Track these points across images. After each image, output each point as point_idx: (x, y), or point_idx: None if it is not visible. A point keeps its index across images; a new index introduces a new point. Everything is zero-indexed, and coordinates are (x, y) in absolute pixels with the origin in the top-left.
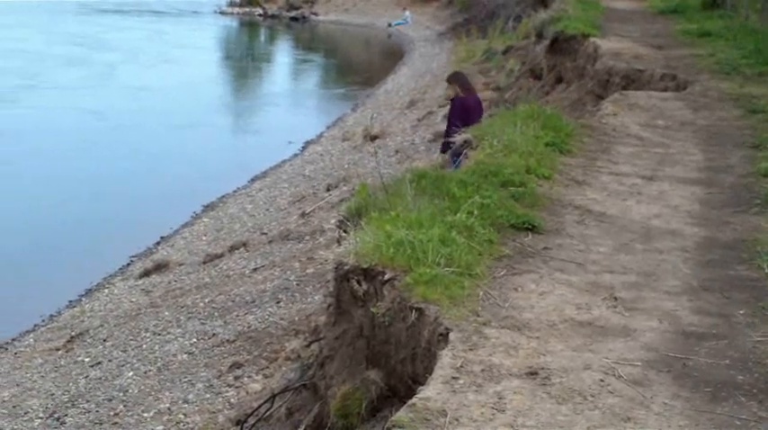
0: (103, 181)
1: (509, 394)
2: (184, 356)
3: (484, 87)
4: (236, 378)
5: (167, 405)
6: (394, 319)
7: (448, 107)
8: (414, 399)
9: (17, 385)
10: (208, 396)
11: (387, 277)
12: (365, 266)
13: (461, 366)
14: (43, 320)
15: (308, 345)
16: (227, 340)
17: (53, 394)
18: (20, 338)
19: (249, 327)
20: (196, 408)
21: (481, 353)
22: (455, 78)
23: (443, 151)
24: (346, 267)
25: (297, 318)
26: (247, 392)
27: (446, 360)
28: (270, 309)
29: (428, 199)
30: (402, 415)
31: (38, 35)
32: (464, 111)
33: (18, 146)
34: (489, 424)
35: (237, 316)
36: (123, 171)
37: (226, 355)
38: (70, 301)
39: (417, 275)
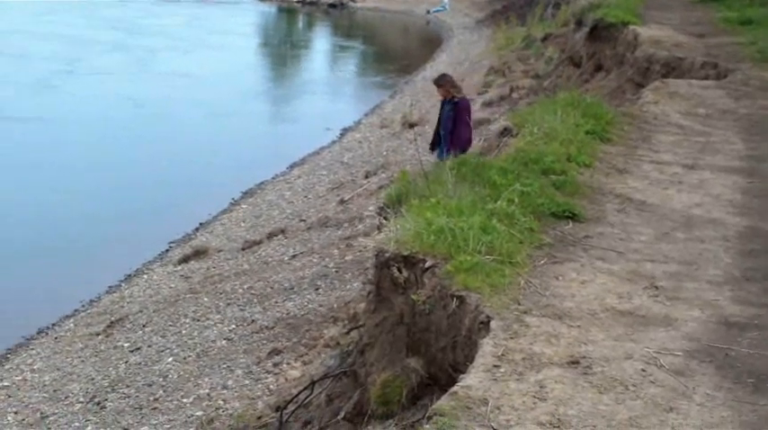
0: (142, 168)
1: (550, 383)
2: (223, 342)
3: (522, 75)
4: (275, 364)
5: (206, 390)
6: (434, 307)
7: (451, 106)
8: (455, 388)
9: (58, 369)
10: (247, 382)
11: (427, 265)
12: (406, 254)
13: (503, 355)
14: (83, 306)
15: (348, 333)
16: (266, 326)
17: (93, 379)
18: (60, 323)
19: (288, 314)
20: (235, 394)
21: (522, 342)
22: (445, 80)
23: (432, 149)
24: (387, 254)
25: (335, 305)
26: (286, 379)
27: (487, 348)
28: (309, 296)
29: (468, 186)
30: (443, 403)
31: (78, 19)
32: (469, 110)
33: (57, 133)
34: (531, 413)
35: (276, 302)
36: (162, 158)
37: (265, 342)
38: (110, 287)
39: (458, 263)
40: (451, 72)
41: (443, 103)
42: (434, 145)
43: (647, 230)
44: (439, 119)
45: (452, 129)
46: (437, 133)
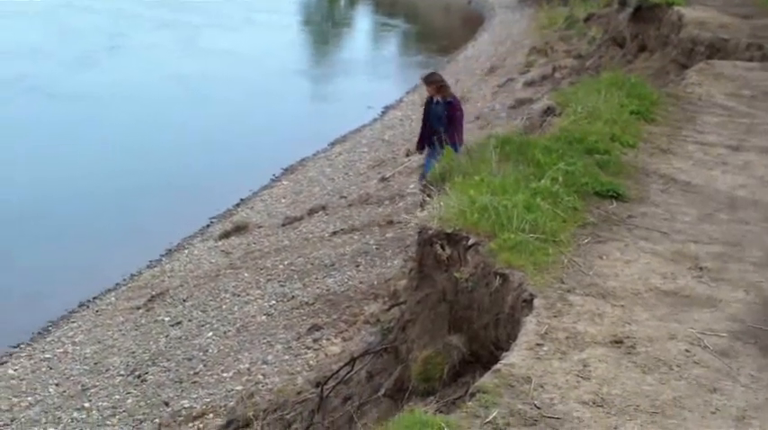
0: (184, 145)
1: (594, 362)
2: (263, 318)
3: (565, 55)
4: (315, 340)
5: (246, 365)
6: (477, 285)
7: (444, 106)
8: (498, 365)
9: (99, 342)
10: (286, 357)
11: (471, 242)
12: (449, 231)
13: (546, 333)
14: (124, 279)
15: (389, 309)
16: (306, 302)
17: (134, 352)
18: (101, 297)
19: (328, 290)
20: (275, 370)
21: (566, 321)
22: (435, 78)
23: (420, 149)
24: (430, 232)
25: (376, 282)
26: (326, 355)
27: (530, 326)
28: (349, 273)
29: (512, 165)
30: (486, 380)
31: None
32: (462, 111)
33: (100, 110)
34: (574, 391)
35: (316, 278)
36: (204, 135)
37: (305, 318)
38: (151, 262)
39: (502, 241)
40: (493, 52)
41: (432, 103)
42: (421, 144)
43: (691, 211)
44: (426, 118)
45: (451, 128)
46: (427, 133)
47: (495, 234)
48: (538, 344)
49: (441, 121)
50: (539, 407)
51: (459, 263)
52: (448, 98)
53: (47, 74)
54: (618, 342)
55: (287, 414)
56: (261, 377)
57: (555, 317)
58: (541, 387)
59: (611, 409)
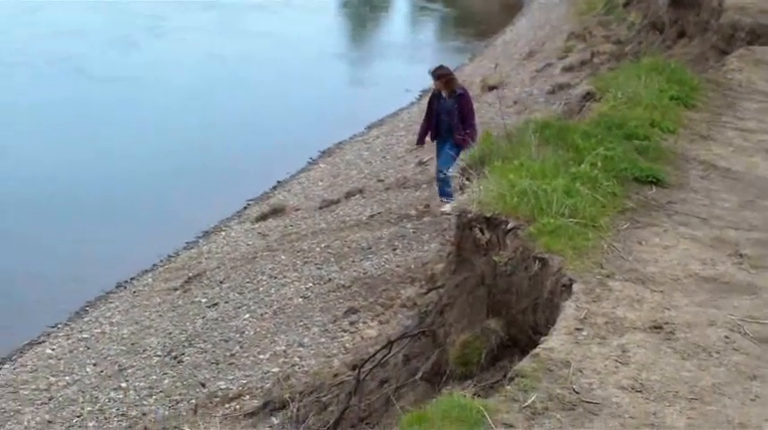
0: (222, 127)
1: (633, 347)
2: (300, 300)
3: (604, 40)
4: (352, 323)
5: (283, 347)
6: (516, 269)
7: (454, 99)
8: (537, 349)
9: (136, 323)
10: (323, 340)
11: (510, 226)
12: (488, 215)
13: (585, 318)
14: (161, 261)
15: (425, 293)
16: (343, 285)
17: (171, 333)
18: (138, 278)
19: (365, 273)
20: (311, 352)
21: (605, 306)
22: (444, 72)
23: (421, 143)
24: (469, 215)
25: (413, 266)
26: (362, 338)
27: (569, 311)
28: (386, 256)
29: (551, 149)
30: (525, 364)
31: None
32: (472, 102)
33: (138, 92)
34: (613, 376)
35: (353, 261)
36: (242, 117)
37: (341, 300)
38: (188, 243)
39: (541, 225)
40: (532, 36)
41: (439, 97)
42: (423, 138)
43: (731, 197)
44: (431, 112)
45: (463, 122)
46: (431, 126)
47: (534, 218)
48: (577, 329)
49: (451, 115)
50: (577, 392)
51: (498, 247)
52: (458, 91)
53: (88, 55)
54: (657, 327)
55: (323, 396)
56: (297, 359)
57: (594, 302)
58: (580, 372)
59: (649, 395)
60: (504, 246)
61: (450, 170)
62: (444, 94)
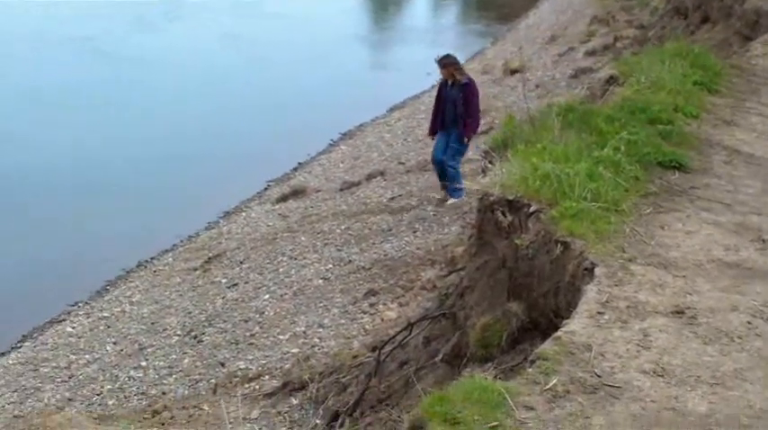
0: (242, 109)
1: (655, 332)
2: (320, 281)
3: (626, 25)
4: (372, 305)
5: (303, 328)
6: (538, 252)
7: (459, 88)
8: (559, 333)
9: (156, 302)
10: (343, 321)
11: (532, 209)
12: (510, 198)
13: (607, 302)
14: (182, 241)
15: (446, 276)
16: (363, 267)
17: (190, 313)
18: (159, 257)
19: (385, 256)
20: (331, 333)
21: (627, 290)
22: (451, 61)
23: (433, 134)
24: (491, 198)
25: (433, 248)
26: (382, 319)
27: (591, 295)
28: (406, 238)
29: (574, 133)
30: (547, 347)
31: None
32: (478, 93)
33: (158, 74)
34: (634, 360)
35: (374, 243)
36: (262, 99)
37: (361, 282)
38: (208, 223)
39: (563, 209)
40: (554, 20)
41: (446, 86)
42: (435, 129)
43: (755, 183)
44: (440, 102)
45: (468, 112)
46: (443, 117)
47: (556, 202)
48: (599, 313)
49: (455, 105)
50: (599, 376)
51: (520, 230)
52: (463, 80)
53: (106, 36)
54: (679, 312)
55: (343, 377)
56: (317, 340)
57: (616, 286)
58: (602, 355)
59: (671, 379)
60: (525, 229)
61: (457, 162)
62: (450, 82)
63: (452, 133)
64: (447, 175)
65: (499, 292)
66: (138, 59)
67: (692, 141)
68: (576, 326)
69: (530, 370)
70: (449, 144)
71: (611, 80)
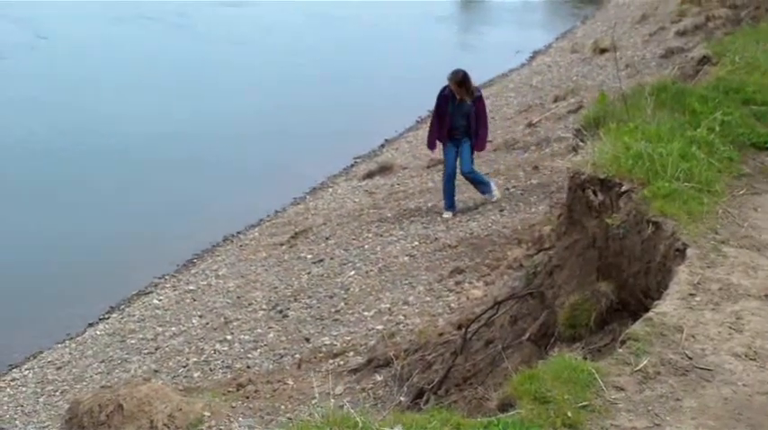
0: (331, 85)
1: (747, 315)
2: (406, 259)
3: (719, 4)
4: (457, 283)
5: (388, 305)
6: (629, 232)
7: (472, 102)
8: (650, 313)
9: (242, 277)
10: (428, 299)
11: (624, 189)
12: (602, 177)
13: (698, 283)
14: (268, 216)
15: (533, 255)
16: (449, 245)
17: (276, 287)
18: (245, 232)
19: (471, 234)
20: (416, 311)
21: (719, 272)
22: (462, 79)
23: (433, 147)
24: (583, 176)
25: (520, 227)
26: (468, 298)
27: (683, 276)
28: (493, 217)
29: (667, 112)
30: (637, 328)
31: None
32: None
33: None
34: (726, 343)
35: (460, 221)
36: (350, 77)
37: (447, 260)
38: (295, 199)
39: (655, 189)
40: (645, 0)
41: (452, 99)
42: (434, 142)
43: None
44: (443, 115)
45: (481, 123)
46: (451, 129)
47: (648, 181)
48: (690, 294)
49: (469, 118)
50: (690, 358)
51: (611, 209)
52: (476, 93)
53: (194, 13)
54: None
55: (428, 355)
56: (402, 317)
57: (708, 267)
58: (693, 337)
59: (764, 363)
60: (617, 208)
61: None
62: (458, 96)
63: (464, 144)
64: (475, 182)
65: (588, 272)
66: (226, 37)
67: None
68: (667, 307)
69: (620, 350)
70: (462, 155)
71: (703, 60)
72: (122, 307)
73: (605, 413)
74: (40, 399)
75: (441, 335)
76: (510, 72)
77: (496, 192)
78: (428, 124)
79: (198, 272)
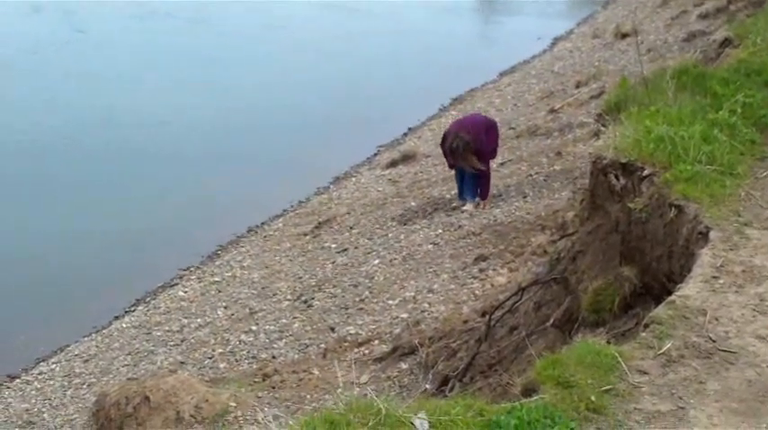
0: (353, 74)
1: None
2: (429, 247)
3: None
4: (481, 270)
5: (412, 293)
6: (651, 216)
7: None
8: (673, 297)
9: (266, 267)
10: (452, 287)
11: (646, 173)
12: (624, 161)
13: (721, 266)
14: (292, 206)
15: (557, 241)
16: (473, 232)
17: (300, 277)
18: (269, 222)
19: (495, 221)
20: (441, 298)
21: (742, 254)
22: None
23: (453, 166)
24: (604, 161)
25: (543, 214)
26: (492, 285)
27: (706, 259)
28: (516, 204)
29: (688, 95)
30: (661, 311)
31: None
32: None
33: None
34: (750, 325)
35: (483, 209)
36: (373, 66)
37: (471, 248)
38: (318, 189)
39: (677, 172)
40: None
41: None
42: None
43: None
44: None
45: (493, 147)
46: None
47: (670, 165)
48: (713, 277)
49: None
50: (713, 340)
51: (634, 193)
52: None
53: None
54: None
55: (453, 342)
56: (426, 305)
57: (731, 250)
58: (716, 320)
59: None
60: (639, 192)
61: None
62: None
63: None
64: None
65: (611, 256)
66: (245, 31)
67: None
68: (690, 290)
69: (643, 334)
70: (465, 180)
71: (725, 43)
72: (148, 299)
73: (629, 397)
74: (68, 392)
75: (465, 322)
76: (532, 59)
77: (468, 207)
78: (449, 112)
79: (222, 263)
